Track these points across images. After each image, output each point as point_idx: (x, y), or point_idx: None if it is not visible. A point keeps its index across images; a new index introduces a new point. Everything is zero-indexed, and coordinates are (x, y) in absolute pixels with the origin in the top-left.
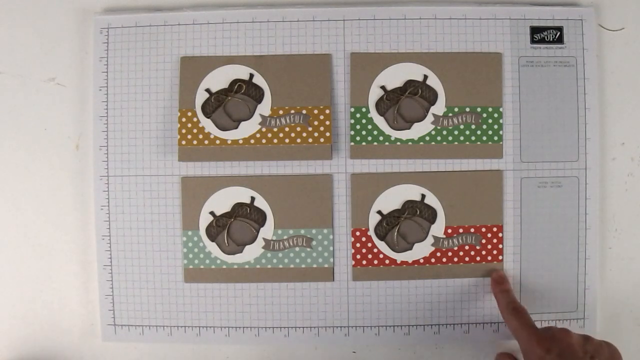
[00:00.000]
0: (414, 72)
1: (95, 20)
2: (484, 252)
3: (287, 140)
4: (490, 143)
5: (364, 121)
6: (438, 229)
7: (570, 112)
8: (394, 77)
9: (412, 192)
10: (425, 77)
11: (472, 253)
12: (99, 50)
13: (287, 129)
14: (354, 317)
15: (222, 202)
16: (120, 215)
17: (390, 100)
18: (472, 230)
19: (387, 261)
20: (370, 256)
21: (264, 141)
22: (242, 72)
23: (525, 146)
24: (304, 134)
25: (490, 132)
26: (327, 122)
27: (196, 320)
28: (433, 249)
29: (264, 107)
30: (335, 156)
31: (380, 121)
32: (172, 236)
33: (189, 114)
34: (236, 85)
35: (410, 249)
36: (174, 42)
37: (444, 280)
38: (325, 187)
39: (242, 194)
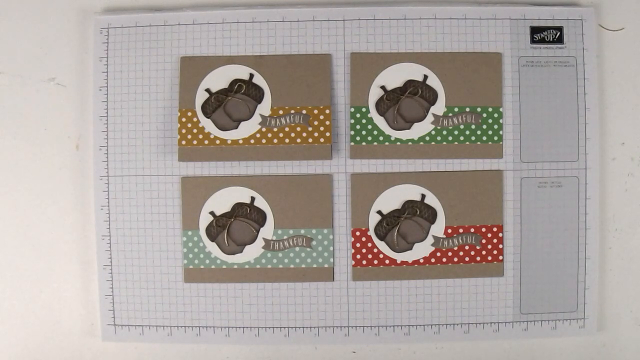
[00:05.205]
0: (414, 72)
1: (95, 20)
2: (484, 252)
3: (287, 140)
4: (490, 143)
5: (364, 121)
6: (438, 229)
7: (570, 112)
8: (394, 77)
9: (412, 192)
10: (425, 77)
11: (472, 253)
12: (99, 50)
13: (287, 129)
14: (354, 317)
15: (222, 202)
16: (120, 215)
17: (390, 100)
18: (472, 230)
19: (387, 261)
20: (370, 256)
21: (264, 141)
22: (242, 72)
23: (525, 146)
24: (304, 134)
25: (490, 132)
26: (327, 122)
27: (196, 320)
28: (433, 249)
29: (264, 107)
30: (335, 156)
31: (380, 121)
32: (172, 236)
33: (189, 114)
34: (236, 85)
35: (410, 249)
36: (174, 42)
37: (444, 280)
38: (325, 187)
39: (242, 194)
